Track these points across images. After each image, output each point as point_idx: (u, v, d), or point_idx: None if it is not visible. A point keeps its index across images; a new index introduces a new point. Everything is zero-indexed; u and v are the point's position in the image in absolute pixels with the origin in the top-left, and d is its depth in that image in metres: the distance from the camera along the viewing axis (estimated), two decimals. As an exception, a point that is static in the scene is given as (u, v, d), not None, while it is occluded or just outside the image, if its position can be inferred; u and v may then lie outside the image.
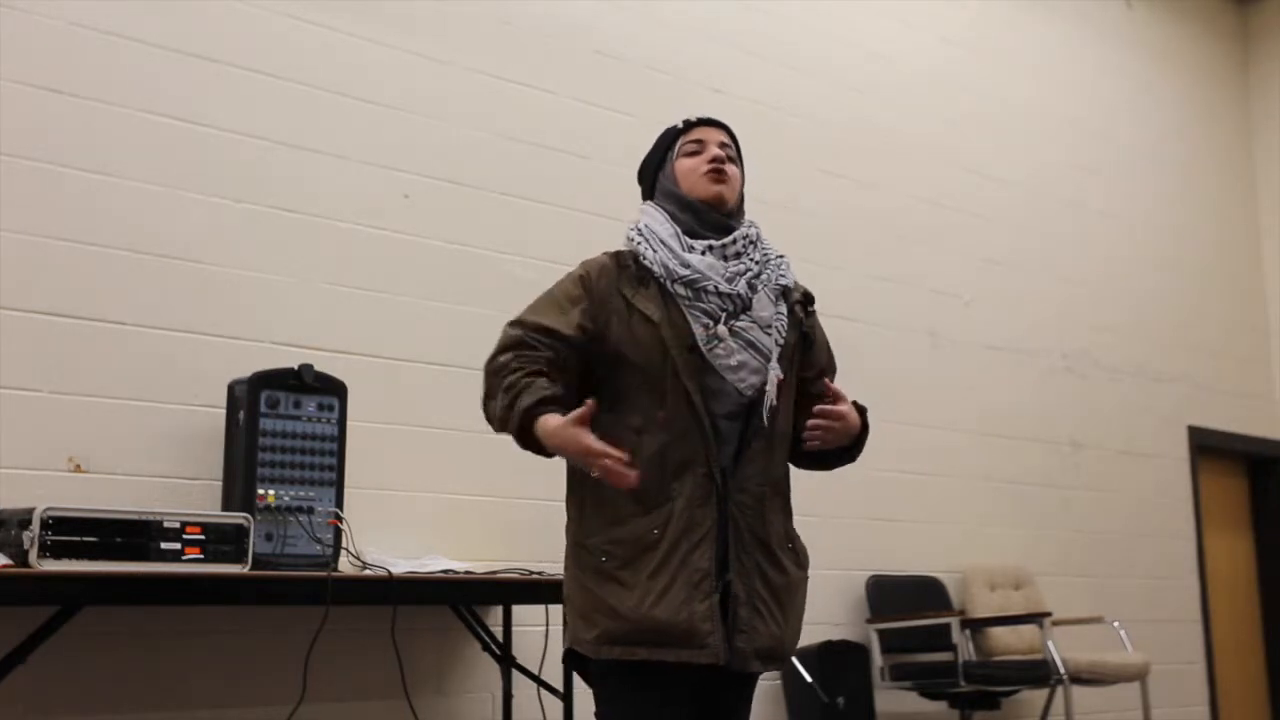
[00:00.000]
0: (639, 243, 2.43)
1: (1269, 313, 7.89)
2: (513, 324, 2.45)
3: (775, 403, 2.39)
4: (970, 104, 6.29)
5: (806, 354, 2.54)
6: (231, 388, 3.48)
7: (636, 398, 2.35)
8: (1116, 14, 7.31)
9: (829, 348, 2.63)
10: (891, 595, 5.22)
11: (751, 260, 2.44)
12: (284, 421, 3.43)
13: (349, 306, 3.97)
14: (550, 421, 2.26)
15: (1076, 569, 6.17)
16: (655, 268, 2.39)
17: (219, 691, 3.52)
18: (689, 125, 2.56)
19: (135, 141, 3.64)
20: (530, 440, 2.33)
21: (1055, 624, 5.16)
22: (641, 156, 2.63)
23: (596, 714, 2.36)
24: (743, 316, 2.39)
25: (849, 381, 5.65)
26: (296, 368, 3.48)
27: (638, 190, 2.64)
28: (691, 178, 2.49)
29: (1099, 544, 6.36)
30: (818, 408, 2.42)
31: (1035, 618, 5.19)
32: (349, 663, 3.69)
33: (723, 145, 2.53)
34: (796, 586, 2.43)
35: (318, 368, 3.53)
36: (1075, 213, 6.72)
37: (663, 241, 2.41)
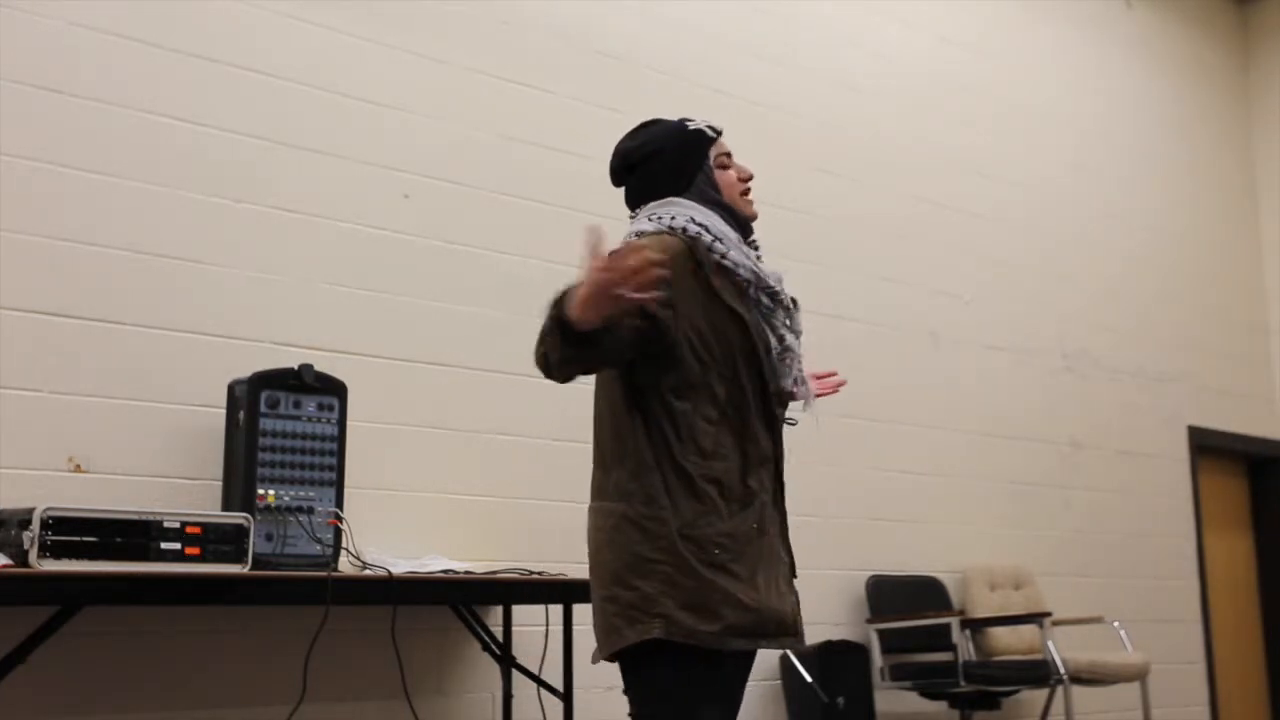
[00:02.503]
0: (712, 241, 2.40)
1: (1269, 313, 7.89)
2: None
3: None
4: (970, 104, 6.29)
5: None
6: (231, 388, 3.48)
7: (711, 388, 2.35)
8: (1116, 14, 7.32)
9: None
10: (891, 595, 5.22)
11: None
12: (284, 421, 3.43)
13: (349, 306, 3.97)
14: (573, 290, 2.10)
15: (1076, 569, 6.17)
16: (742, 271, 2.41)
17: (219, 691, 3.52)
18: (716, 133, 2.58)
19: (135, 141, 3.64)
20: (576, 335, 2.11)
21: (1055, 624, 5.17)
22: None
23: (690, 706, 2.27)
24: (790, 329, 2.52)
25: (850, 381, 5.65)
26: (296, 368, 3.48)
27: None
28: (734, 193, 2.54)
29: (1099, 544, 6.36)
30: (832, 381, 2.75)
31: (1035, 618, 5.19)
32: (349, 663, 3.69)
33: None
34: None
35: (318, 368, 3.53)
36: (1075, 213, 6.72)
37: (737, 244, 2.45)
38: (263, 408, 3.40)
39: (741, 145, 5.64)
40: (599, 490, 2.41)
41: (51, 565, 2.84)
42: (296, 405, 3.47)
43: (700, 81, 5.13)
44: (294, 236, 3.90)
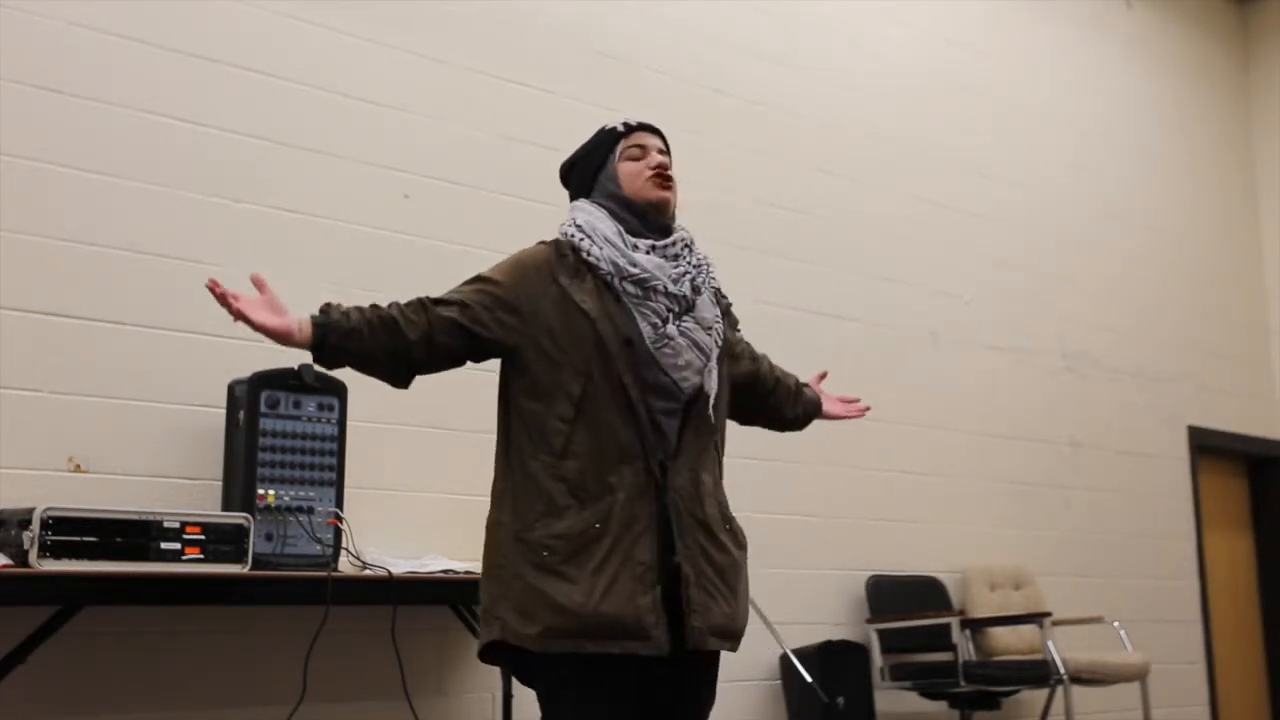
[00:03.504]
0: (580, 239, 2.48)
1: (1269, 313, 7.89)
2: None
3: (716, 400, 2.49)
4: (971, 104, 6.29)
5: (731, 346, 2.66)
6: (231, 388, 3.48)
7: (565, 387, 2.38)
8: (1116, 14, 7.32)
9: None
10: (891, 595, 5.22)
11: (689, 263, 2.52)
12: (284, 421, 3.43)
13: (349, 306, 3.97)
14: None
15: (1076, 569, 6.17)
16: (602, 264, 2.44)
17: (219, 691, 3.52)
18: (630, 129, 2.61)
19: (135, 141, 3.64)
20: (315, 356, 2.48)
21: (1055, 624, 5.16)
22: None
23: (544, 707, 2.38)
24: (686, 317, 2.47)
25: (850, 381, 5.61)
26: (296, 368, 3.48)
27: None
28: (636, 181, 2.55)
29: (1099, 544, 6.36)
30: (856, 407, 3.04)
31: (1035, 618, 5.19)
32: (349, 663, 3.68)
33: (662, 152, 2.61)
34: (739, 566, 2.50)
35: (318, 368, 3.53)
36: (1075, 213, 6.72)
37: (607, 239, 2.47)
38: (263, 408, 3.40)
39: (742, 145, 5.66)
40: None
41: (51, 565, 2.84)
42: (296, 405, 3.47)
43: (700, 81, 5.12)
44: (294, 236, 3.90)
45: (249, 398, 3.40)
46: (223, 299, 2.33)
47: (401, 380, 2.49)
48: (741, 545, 2.53)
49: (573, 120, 4.65)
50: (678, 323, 2.45)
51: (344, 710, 3.69)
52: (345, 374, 3.57)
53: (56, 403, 3.39)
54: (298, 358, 3.57)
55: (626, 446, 2.37)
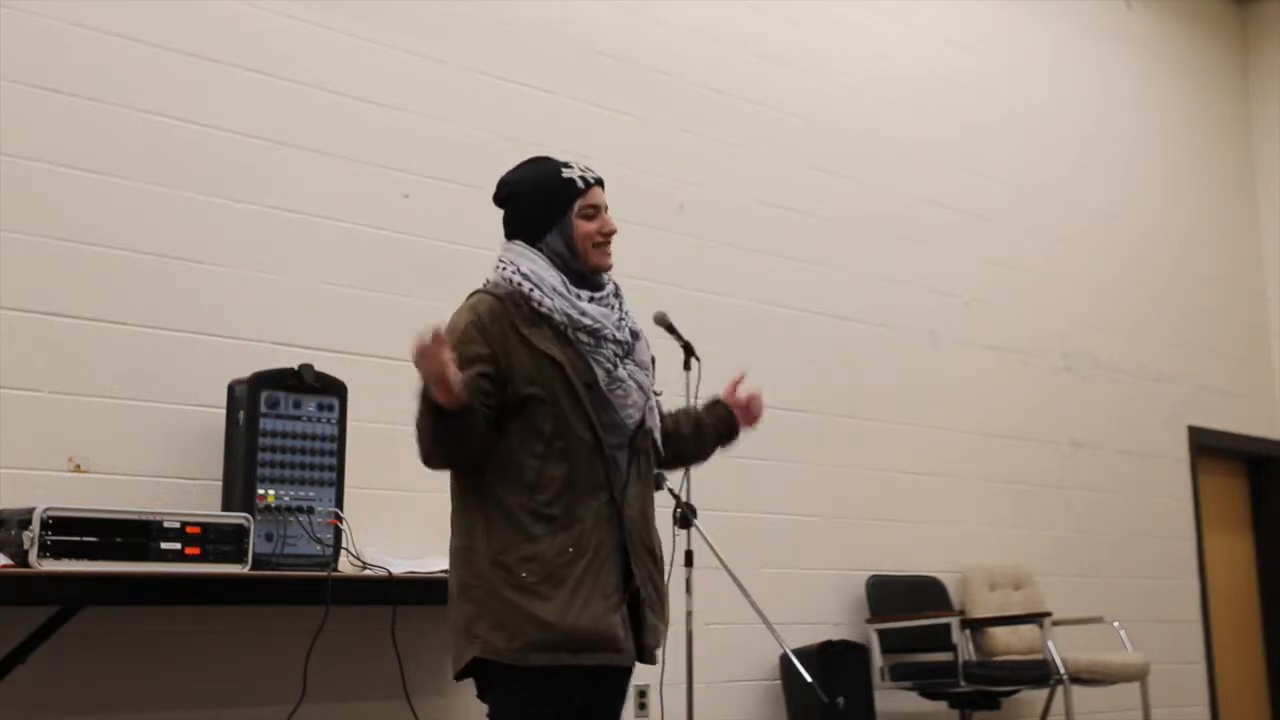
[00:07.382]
0: (529, 288, 2.60)
1: (1269, 313, 7.89)
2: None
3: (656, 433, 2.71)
4: (970, 104, 6.29)
5: None
6: (231, 388, 3.48)
7: (539, 428, 2.56)
8: (1116, 14, 7.31)
9: None
10: (891, 595, 5.22)
11: (621, 311, 2.72)
12: (284, 421, 3.43)
13: (349, 306, 3.97)
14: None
15: (1076, 569, 6.17)
16: (556, 315, 2.60)
17: (219, 691, 3.52)
18: (588, 184, 2.70)
19: (134, 141, 3.64)
20: (434, 410, 2.44)
21: (1055, 624, 5.17)
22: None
23: (497, 713, 2.56)
24: (628, 360, 2.67)
25: (850, 381, 5.59)
26: (296, 368, 3.49)
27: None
28: (587, 244, 2.68)
29: (1099, 544, 6.36)
30: (750, 399, 2.87)
31: (1035, 618, 5.20)
32: (349, 663, 3.69)
33: (606, 208, 2.73)
34: (667, 587, 2.76)
35: (318, 368, 3.53)
36: (1075, 213, 6.72)
37: (555, 289, 2.61)
38: (263, 408, 3.40)
39: (742, 145, 5.64)
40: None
41: (51, 565, 2.85)
42: (296, 405, 3.47)
43: (700, 81, 5.12)
44: (294, 236, 3.90)
45: (249, 398, 3.40)
46: (437, 352, 2.37)
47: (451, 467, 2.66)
48: (665, 570, 2.76)
49: (573, 120, 4.66)
50: (625, 365, 2.65)
51: (344, 710, 3.69)
52: (345, 374, 3.60)
53: (56, 403, 3.39)
54: (297, 358, 3.59)
55: (594, 480, 2.57)
